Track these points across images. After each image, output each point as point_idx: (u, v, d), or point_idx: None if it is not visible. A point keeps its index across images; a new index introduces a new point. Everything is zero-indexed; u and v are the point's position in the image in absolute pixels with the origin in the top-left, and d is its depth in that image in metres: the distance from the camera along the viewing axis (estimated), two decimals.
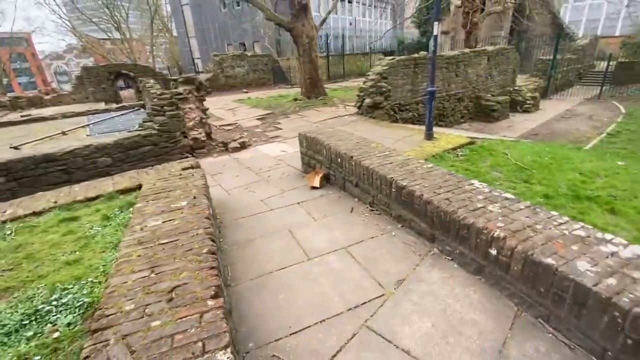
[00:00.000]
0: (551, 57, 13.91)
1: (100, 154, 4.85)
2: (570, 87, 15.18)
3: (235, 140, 6.28)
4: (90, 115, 9.01)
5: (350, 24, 29.13)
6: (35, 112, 10.30)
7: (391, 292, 1.90)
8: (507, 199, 2.17)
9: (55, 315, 1.51)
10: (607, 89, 14.15)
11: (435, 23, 5.20)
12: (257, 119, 9.15)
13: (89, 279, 1.74)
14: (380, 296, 1.88)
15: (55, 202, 2.75)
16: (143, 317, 1.39)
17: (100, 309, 1.45)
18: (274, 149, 6.09)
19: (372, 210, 3.01)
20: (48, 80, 51.01)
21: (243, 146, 6.14)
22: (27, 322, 1.47)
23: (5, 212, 2.64)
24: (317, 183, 3.86)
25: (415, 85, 8.73)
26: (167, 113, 5.43)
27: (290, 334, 1.67)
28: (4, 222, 2.48)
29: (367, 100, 8.09)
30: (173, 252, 1.85)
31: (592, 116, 10.47)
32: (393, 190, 2.65)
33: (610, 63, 14.91)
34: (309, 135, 4.27)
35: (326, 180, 3.96)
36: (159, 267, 1.73)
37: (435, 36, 5.31)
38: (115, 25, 28.61)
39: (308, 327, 1.70)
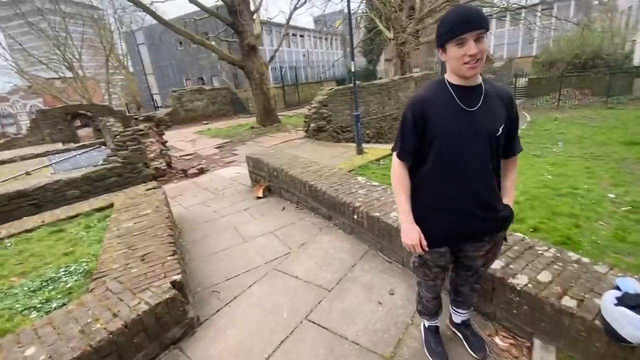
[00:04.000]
0: None
1: (69, 187, 5.48)
2: None
3: (194, 167, 7.12)
4: (50, 155, 9.38)
5: (304, 55, 31.42)
6: None
7: (295, 250, 2.90)
8: (372, 185, 3.29)
9: (65, 279, 2.31)
10: (521, 102, 16.73)
11: (352, 62, 6.57)
12: (216, 147, 10.03)
13: (84, 260, 2.55)
14: (288, 253, 2.86)
15: (42, 221, 3.47)
16: (125, 269, 2.25)
17: (96, 271, 2.28)
18: (229, 172, 6.99)
19: (297, 207, 4.03)
20: None
21: (201, 172, 6.99)
22: (45, 284, 2.27)
23: (0, 232, 3.32)
24: (260, 193, 4.83)
25: (352, 110, 10.16)
26: (129, 147, 6.20)
27: (225, 280, 2.58)
28: (2, 238, 3.18)
29: (312, 125, 9.35)
30: (143, 238, 2.71)
31: None
32: (307, 189, 3.70)
33: (524, 79, 17.73)
34: (253, 156, 5.28)
35: (268, 191, 4.94)
36: (134, 246, 2.58)
37: (354, 72, 6.68)
38: (67, 64, 28.40)
39: (237, 275, 2.63)
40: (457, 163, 1.28)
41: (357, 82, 10.75)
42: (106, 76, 30.72)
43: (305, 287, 2.35)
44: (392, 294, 2.17)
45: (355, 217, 2.88)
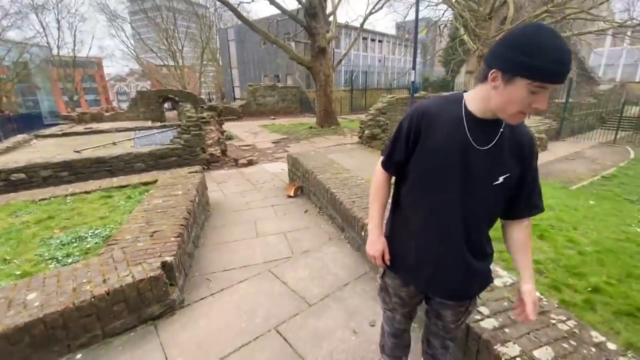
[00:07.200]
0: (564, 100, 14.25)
1: (137, 160, 6.26)
2: (590, 130, 15.15)
3: (244, 158, 7.53)
4: (137, 131, 10.86)
5: (379, 60, 31.01)
6: (95, 126, 12.47)
7: (296, 257, 2.84)
8: None
9: (89, 239, 2.63)
10: (627, 134, 14.05)
11: (412, 71, 6.24)
12: (272, 142, 10.48)
13: (111, 226, 2.87)
14: (288, 257, 2.83)
15: (99, 186, 4.02)
16: (134, 241, 2.46)
17: (113, 237, 2.55)
18: (275, 166, 7.23)
19: (319, 212, 3.97)
20: (110, 99, 57.55)
21: (250, 163, 7.37)
22: (73, 241, 2.61)
23: (68, 189, 3.94)
24: (291, 192, 4.88)
25: None
26: (192, 132, 6.83)
27: (222, 271, 2.66)
28: (66, 195, 3.76)
29: (367, 132, 9.16)
30: (162, 216, 2.94)
31: (596, 159, 10.65)
32: (328, 195, 3.61)
33: (636, 108, 14.87)
34: (293, 155, 5.36)
35: (301, 191, 4.97)
36: (151, 222, 2.82)
37: (413, 82, 6.34)
38: (171, 54, 32.66)
39: (234, 268, 2.69)
40: (436, 209, 1.08)
41: (426, 93, 10.34)
42: (200, 67, 34.59)
43: (289, 296, 2.29)
44: (372, 326, 1.98)
45: (363, 234, 2.71)
